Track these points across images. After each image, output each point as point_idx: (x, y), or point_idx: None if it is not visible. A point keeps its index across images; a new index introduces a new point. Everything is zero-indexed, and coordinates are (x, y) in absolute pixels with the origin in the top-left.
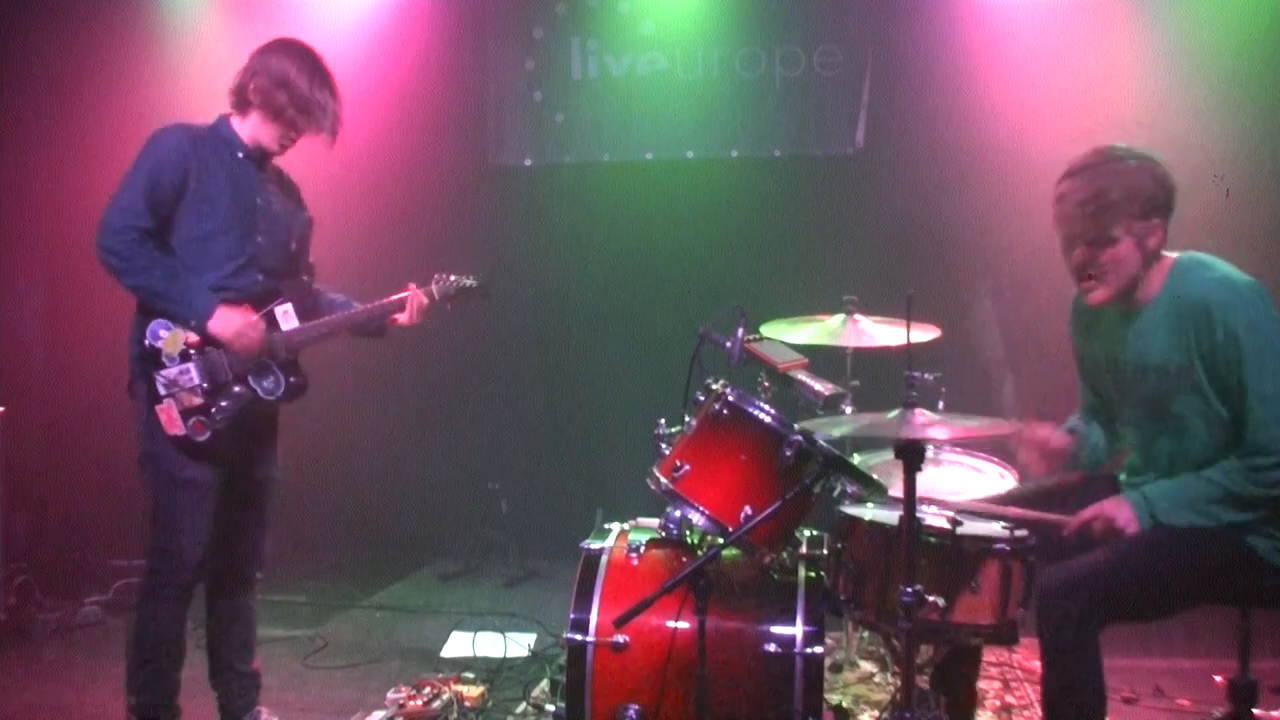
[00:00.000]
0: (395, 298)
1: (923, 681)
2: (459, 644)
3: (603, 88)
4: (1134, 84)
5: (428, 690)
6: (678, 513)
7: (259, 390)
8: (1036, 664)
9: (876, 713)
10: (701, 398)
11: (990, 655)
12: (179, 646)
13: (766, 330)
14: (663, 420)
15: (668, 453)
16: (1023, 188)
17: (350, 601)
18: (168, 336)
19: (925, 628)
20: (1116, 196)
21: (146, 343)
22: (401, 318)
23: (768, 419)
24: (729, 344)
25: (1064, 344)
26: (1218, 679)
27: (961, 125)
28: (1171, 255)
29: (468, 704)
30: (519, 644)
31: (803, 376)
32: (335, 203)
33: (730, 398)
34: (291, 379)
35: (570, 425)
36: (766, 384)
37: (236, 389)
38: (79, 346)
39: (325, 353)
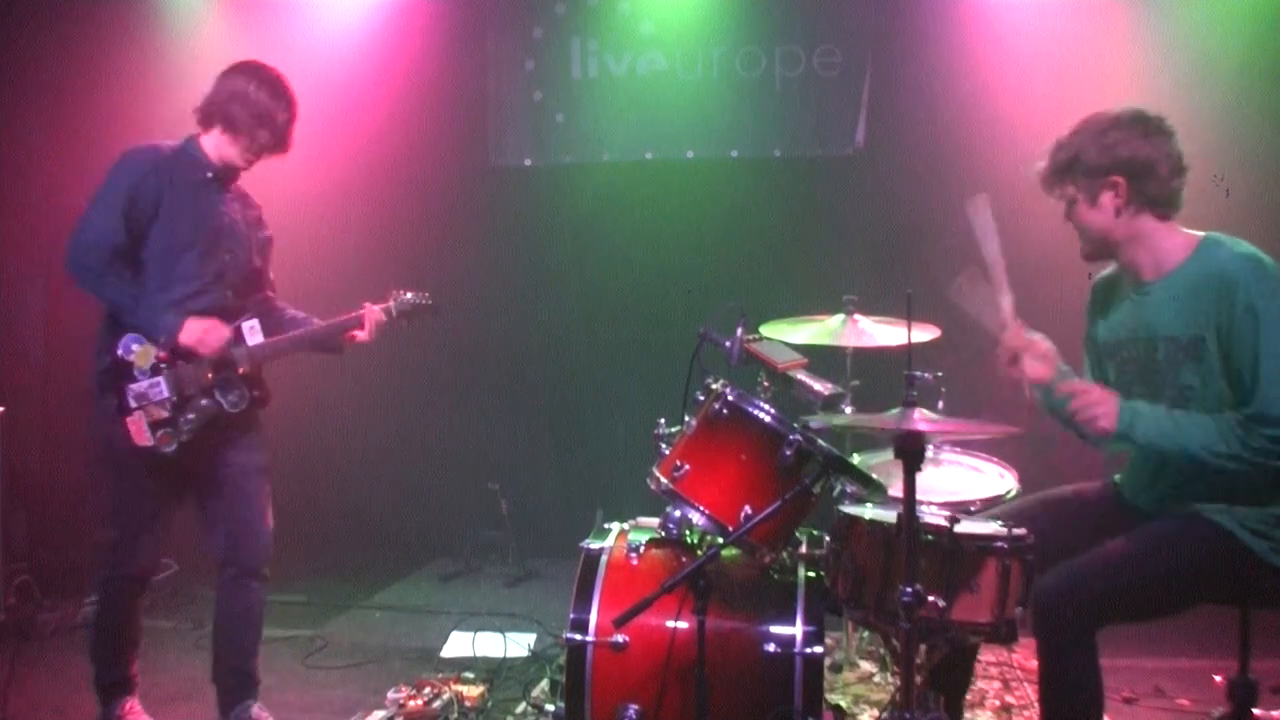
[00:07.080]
0: (353, 315)
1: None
2: (459, 644)
3: (603, 88)
4: (1134, 84)
5: (428, 690)
6: (678, 512)
7: (224, 404)
8: (1036, 664)
9: (876, 713)
10: (701, 397)
11: (990, 655)
12: (134, 629)
13: (766, 330)
14: (663, 420)
15: (668, 452)
16: (1023, 187)
17: (350, 601)
18: (139, 350)
19: (925, 627)
20: (1062, 164)
21: (119, 354)
22: (361, 334)
23: (768, 419)
24: (729, 344)
25: (1073, 339)
26: (1217, 679)
27: (961, 125)
28: (1198, 234)
29: (468, 704)
30: (519, 644)
31: (802, 376)
32: (336, 203)
33: (730, 397)
34: (255, 393)
35: (570, 425)
36: (766, 384)
37: (203, 402)
38: (79, 346)
39: (326, 355)
